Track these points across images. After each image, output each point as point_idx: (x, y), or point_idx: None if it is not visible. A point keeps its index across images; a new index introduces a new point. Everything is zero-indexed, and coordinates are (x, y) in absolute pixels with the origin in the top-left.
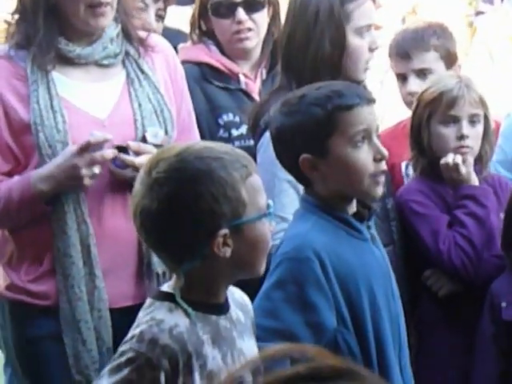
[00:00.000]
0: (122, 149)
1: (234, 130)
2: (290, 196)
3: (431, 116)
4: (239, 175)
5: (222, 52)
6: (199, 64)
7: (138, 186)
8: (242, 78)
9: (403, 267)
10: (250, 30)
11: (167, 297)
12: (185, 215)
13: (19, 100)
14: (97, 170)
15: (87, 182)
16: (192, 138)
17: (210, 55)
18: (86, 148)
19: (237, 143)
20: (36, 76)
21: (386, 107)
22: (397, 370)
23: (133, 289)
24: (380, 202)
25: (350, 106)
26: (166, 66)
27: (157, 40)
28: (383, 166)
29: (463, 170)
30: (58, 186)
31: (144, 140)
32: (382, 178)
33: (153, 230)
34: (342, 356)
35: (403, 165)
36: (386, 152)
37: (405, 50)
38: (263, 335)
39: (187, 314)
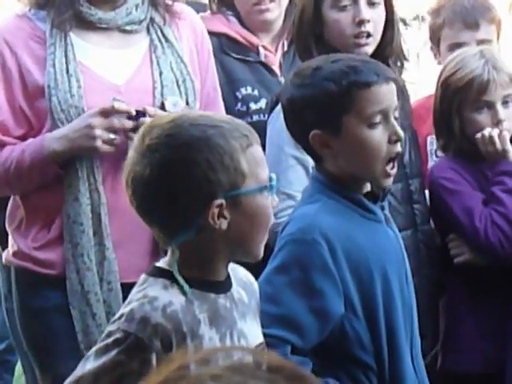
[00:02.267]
0: (140, 113)
1: (253, 103)
2: (298, 172)
3: (461, 103)
4: (239, 144)
5: (242, 24)
6: (217, 35)
7: (131, 153)
8: (261, 50)
9: (426, 252)
10: (271, 0)
11: (162, 273)
12: (178, 182)
13: (35, 62)
14: (113, 135)
15: (100, 144)
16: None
17: (228, 26)
18: (109, 112)
19: (255, 117)
20: (54, 39)
21: (422, 80)
22: (408, 360)
23: (146, 264)
24: (401, 183)
25: (366, 83)
26: (193, 37)
27: (183, 8)
28: (398, 148)
29: (498, 143)
30: (71, 146)
31: (163, 108)
32: (394, 170)
33: (145, 198)
34: (350, 343)
35: (428, 140)
36: (402, 133)
37: (475, 19)
38: (264, 321)
39: (183, 292)
